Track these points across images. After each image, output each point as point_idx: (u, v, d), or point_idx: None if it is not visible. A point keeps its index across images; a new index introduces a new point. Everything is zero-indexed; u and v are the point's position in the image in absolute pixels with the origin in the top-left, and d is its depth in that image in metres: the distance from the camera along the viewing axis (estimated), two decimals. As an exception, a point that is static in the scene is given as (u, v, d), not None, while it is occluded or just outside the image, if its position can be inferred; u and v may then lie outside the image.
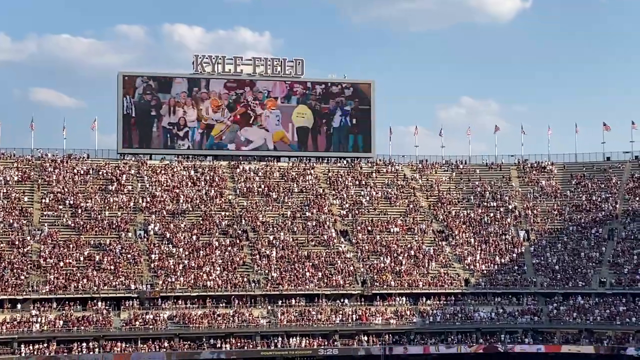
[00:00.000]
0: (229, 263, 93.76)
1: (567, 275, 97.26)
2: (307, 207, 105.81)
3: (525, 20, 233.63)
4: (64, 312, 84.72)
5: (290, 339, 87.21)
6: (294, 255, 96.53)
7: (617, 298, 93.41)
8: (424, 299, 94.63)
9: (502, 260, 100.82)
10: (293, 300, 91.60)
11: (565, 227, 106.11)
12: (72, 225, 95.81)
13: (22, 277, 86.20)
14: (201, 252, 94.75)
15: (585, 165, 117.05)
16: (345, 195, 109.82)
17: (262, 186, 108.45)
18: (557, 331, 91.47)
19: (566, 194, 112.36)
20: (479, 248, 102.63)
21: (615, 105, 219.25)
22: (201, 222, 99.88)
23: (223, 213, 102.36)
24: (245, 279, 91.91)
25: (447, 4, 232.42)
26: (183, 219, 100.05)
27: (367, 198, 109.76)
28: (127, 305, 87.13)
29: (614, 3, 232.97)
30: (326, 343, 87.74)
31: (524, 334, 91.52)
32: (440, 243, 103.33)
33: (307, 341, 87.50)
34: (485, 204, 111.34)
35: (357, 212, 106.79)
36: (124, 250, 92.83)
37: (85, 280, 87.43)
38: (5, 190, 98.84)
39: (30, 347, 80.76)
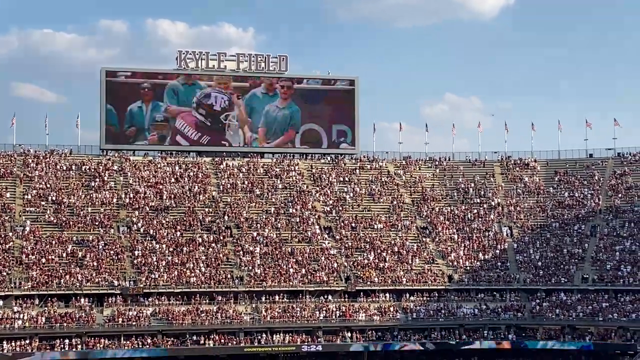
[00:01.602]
0: (213, 259, 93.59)
1: (550, 272, 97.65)
2: (290, 204, 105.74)
3: (509, 17, 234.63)
4: (46, 308, 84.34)
5: (274, 335, 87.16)
6: (277, 252, 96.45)
7: (600, 294, 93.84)
8: (408, 295, 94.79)
9: (485, 257, 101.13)
10: (277, 297, 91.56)
11: (548, 224, 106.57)
12: (55, 221, 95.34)
13: (4, 274, 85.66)
14: (184, 248, 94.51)
15: (568, 162, 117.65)
16: (329, 192, 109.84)
17: (246, 182, 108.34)
18: (539, 327, 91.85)
19: (549, 191, 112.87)
20: (462, 244, 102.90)
21: (598, 103, 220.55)
22: (184, 218, 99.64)
23: (206, 209, 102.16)
24: (228, 276, 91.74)
25: (431, 0, 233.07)
26: (166, 215, 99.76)
27: (351, 194, 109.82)
28: (110, 301, 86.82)
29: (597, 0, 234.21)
30: (310, 339, 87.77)
31: (507, 330, 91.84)
32: (423, 239, 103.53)
33: (291, 337, 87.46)
34: (469, 200, 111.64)
35: (340, 208, 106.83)
36: (107, 246, 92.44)
37: (67, 276, 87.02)
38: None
39: (13, 344, 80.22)
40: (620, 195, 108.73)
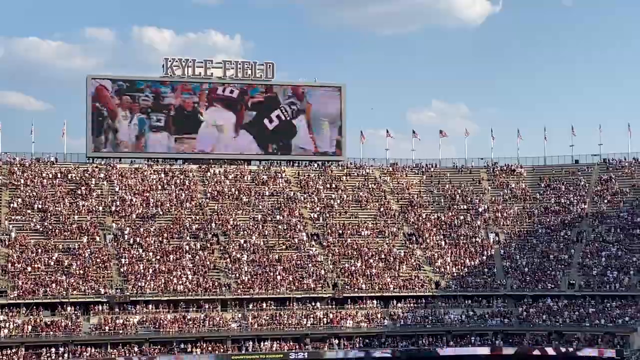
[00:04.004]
0: (200, 267, 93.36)
1: (537, 278, 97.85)
2: (277, 211, 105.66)
3: (495, 24, 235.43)
4: (32, 317, 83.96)
5: (261, 343, 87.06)
6: (264, 259, 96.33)
7: (586, 300, 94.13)
8: (395, 301, 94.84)
9: (472, 263, 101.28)
10: (264, 304, 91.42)
11: (534, 230, 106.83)
12: (41, 229, 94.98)
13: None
14: (171, 256, 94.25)
15: (554, 168, 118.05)
16: (316, 199, 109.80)
17: (233, 189, 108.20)
18: (526, 333, 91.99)
19: (535, 197, 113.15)
20: (449, 251, 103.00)
21: (584, 109, 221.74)
22: (171, 225, 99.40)
23: (193, 216, 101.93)
24: (216, 283, 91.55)
25: (417, 7, 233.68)
26: (153, 222, 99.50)
27: (338, 201, 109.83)
28: (96, 310, 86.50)
29: (581, 7, 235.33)
30: (297, 346, 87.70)
31: (494, 336, 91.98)
32: (410, 246, 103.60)
33: (278, 345, 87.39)
34: (456, 206, 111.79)
35: (328, 215, 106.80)
36: (93, 254, 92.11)
37: (54, 285, 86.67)
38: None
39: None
40: (606, 201, 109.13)
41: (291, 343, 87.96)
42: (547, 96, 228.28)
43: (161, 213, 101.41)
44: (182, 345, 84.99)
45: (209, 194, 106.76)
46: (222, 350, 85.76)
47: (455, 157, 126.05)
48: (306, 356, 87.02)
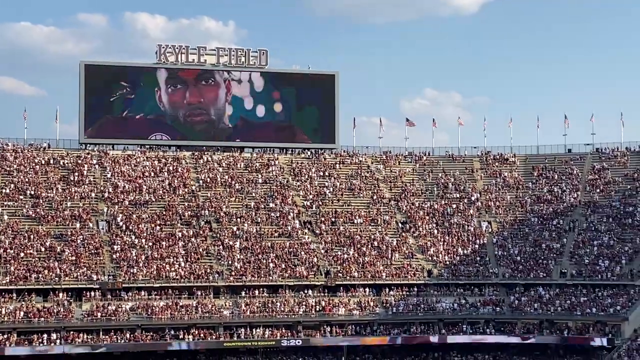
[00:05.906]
0: (192, 254, 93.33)
1: (529, 266, 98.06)
2: (270, 198, 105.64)
3: (490, 12, 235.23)
4: (24, 303, 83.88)
5: (254, 330, 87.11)
6: (257, 246, 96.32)
7: (578, 289, 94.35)
8: (387, 289, 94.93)
9: (465, 251, 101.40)
10: (256, 291, 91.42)
11: (526, 218, 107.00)
12: (33, 215, 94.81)
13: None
14: (164, 243, 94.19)
15: (547, 157, 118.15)
16: (309, 186, 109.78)
17: (226, 177, 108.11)
18: (518, 322, 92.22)
19: (528, 186, 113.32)
20: (442, 239, 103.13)
21: (577, 98, 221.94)
22: (164, 212, 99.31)
23: (186, 204, 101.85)
24: (208, 270, 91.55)
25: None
26: (146, 209, 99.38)
27: (331, 189, 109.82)
28: (88, 296, 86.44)
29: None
30: (289, 334, 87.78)
31: (486, 324, 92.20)
32: (403, 234, 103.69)
33: (270, 332, 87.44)
34: (448, 195, 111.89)
35: (320, 203, 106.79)
36: (85, 241, 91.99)
37: (46, 271, 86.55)
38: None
39: (-10, 339, 79.92)
40: (598, 190, 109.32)
41: (283, 330, 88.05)
42: (541, 85, 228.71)
43: (154, 200, 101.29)
44: (173, 332, 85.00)
45: (201, 181, 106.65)
46: (214, 337, 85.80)
47: (448, 145, 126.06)
48: (299, 343, 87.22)
